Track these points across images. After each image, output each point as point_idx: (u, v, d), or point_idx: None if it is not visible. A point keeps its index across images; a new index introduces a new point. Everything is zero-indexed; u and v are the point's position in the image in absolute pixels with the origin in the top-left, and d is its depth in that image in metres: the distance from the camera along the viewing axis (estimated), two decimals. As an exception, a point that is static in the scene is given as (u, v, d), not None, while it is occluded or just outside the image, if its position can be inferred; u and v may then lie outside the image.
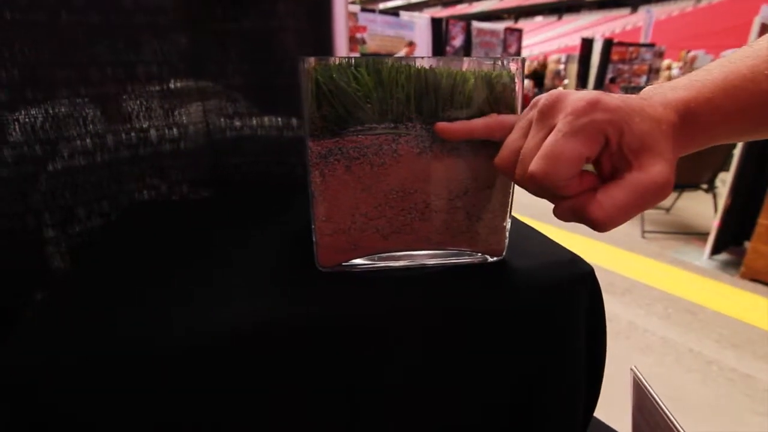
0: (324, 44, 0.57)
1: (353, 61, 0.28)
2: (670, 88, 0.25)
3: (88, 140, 0.45)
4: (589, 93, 0.24)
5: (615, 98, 0.24)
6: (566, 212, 0.25)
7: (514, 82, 0.29)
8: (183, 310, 0.28)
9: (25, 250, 0.44)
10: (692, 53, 5.91)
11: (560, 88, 0.25)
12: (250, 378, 0.28)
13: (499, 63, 0.29)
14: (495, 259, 0.34)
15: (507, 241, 0.34)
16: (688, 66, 5.78)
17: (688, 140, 0.24)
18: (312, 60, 0.27)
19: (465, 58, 0.29)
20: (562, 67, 7.26)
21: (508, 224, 0.33)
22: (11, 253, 0.43)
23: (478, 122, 0.29)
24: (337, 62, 0.28)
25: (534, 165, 0.24)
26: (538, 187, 0.24)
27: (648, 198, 0.22)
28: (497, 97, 0.29)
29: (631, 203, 0.22)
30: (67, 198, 0.45)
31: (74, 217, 0.46)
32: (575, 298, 0.33)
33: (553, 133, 0.24)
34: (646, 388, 0.36)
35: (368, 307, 0.30)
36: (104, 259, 0.40)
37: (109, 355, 0.25)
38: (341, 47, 0.56)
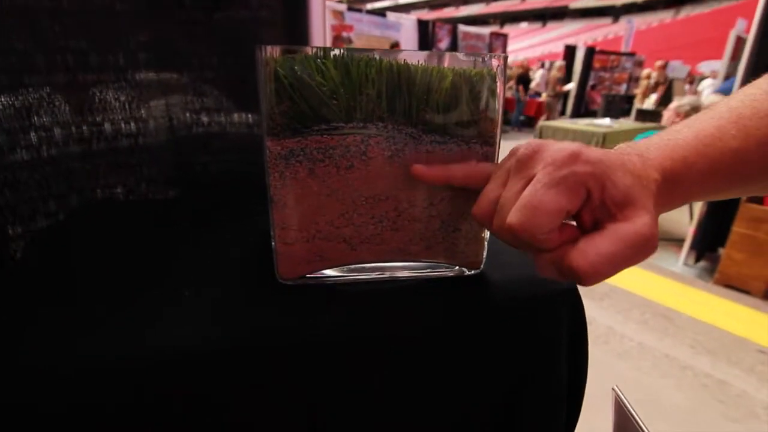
0: (300, 37, 0.54)
1: (319, 52, 0.25)
2: (644, 147, 0.25)
3: (32, 133, 0.41)
4: (570, 144, 0.23)
5: (596, 151, 0.23)
6: (547, 265, 0.23)
7: (496, 82, 0.27)
8: (130, 325, 0.25)
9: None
10: (659, 62, 6.11)
11: (540, 141, 0.24)
12: (203, 396, 0.25)
13: (480, 60, 0.26)
14: (473, 272, 0.32)
15: (485, 252, 0.31)
16: (660, 74, 5.95)
17: (667, 199, 0.24)
18: (271, 49, 0.24)
19: (443, 53, 0.26)
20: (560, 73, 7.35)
21: (486, 234, 0.31)
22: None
23: (457, 169, 0.27)
24: (300, 53, 0.25)
25: (512, 216, 0.23)
26: (516, 239, 0.23)
27: (635, 249, 0.21)
28: (477, 97, 0.26)
29: (618, 253, 0.21)
30: (8, 196, 0.41)
31: (15, 218, 0.41)
32: (556, 315, 0.31)
33: (532, 183, 0.23)
34: (627, 408, 0.34)
35: (331, 324, 0.27)
36: (49, 265, 0.36)
37: (64, 371, 0.22)
38: (318, 41, 0.53)
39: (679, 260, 2.36)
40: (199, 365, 0.24)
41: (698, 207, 2.27)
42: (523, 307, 0.30)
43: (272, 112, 0.25)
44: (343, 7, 6.12)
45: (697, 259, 2.33)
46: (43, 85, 0.41)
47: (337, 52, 0.25)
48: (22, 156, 0.41)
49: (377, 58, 0.25)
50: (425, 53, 0.25)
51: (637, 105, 5.68)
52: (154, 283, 0.30)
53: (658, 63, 5.99)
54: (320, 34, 0.52)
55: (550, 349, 0.31)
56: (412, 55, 0.25)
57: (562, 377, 0.33)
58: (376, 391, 0.29)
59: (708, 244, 2.33)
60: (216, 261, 0.34)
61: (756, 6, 2.06)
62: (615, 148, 0.25)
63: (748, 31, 2.28)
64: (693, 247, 2.31)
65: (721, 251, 2.16)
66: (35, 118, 0.41)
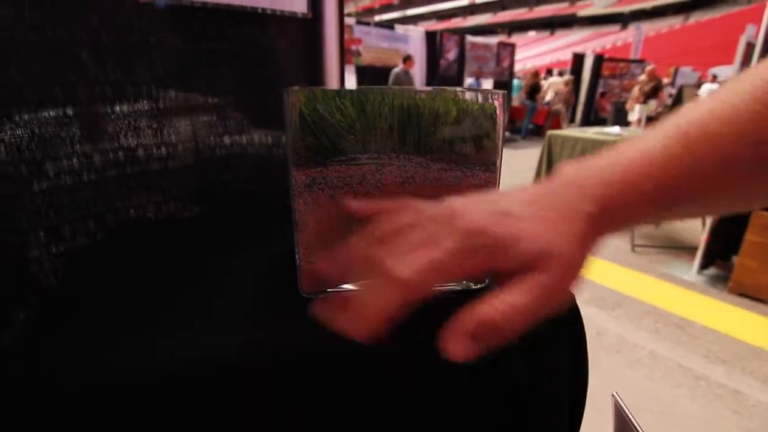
0: (315, 65, 0.57)
1: (338, 92, 0.28)
2: (586, 173, 0.25)
3: (74, 160, 0.45)
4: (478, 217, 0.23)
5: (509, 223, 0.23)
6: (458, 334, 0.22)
7: (497, 115, 0.30)
8: (163, 338, 0.28)
9: (7, 271, 0.44)
10: (650, 67, 5.97)
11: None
12: (230, 405, 0.28)
13: (482, 96, 0.30)
14: (478, 286, 0.34)
15: (490, 268, 0.34)
16: (657, 78, 5.81)
17: (608, 224, 0.24)
18: (296, 90, 0.28)
19: (449, 90, 0.29)
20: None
21: (491, 251, 0.34)
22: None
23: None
24: (321, 93, 0.28)
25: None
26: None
27: (542, 300, 0.21)
28: (479, 129, 0.29)
29: (525, 303, 0.21)
30: (52, 218, 0.44)
31: (59, 237, 0.45)
32: (556, 326, 0.33)
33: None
34: (626, 414, 0.36)
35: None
36: (88, 283, 0.40)
37: (96, 382, 0.25)
38: (332, 69, 0.57)
39: (692, 269, 2.34)
40: (230, 373, 0.27)
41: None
42: (526, 319, 0.33)
43: (297, 146, 0.28)
44: (352, 20, 6.23)
45: (705, 266, 2.31)
46: (84, 115, 0.45)
47: (353, 92, 0.28)
48: (65, 181, 0.45)
49: (389, 96, 0.28)
50: (433, 90, 0.29)
51: (630, 113, 5.58)
52: (186, 296, 0.34)
53: (649, 67, 5.92)
54: (333, 62, 0.55)
55: (551, 359, 0.34)
56: (421, 92, 0.28)
57: (563, 387, 0.35)
58: (390, 396, 0.32)
59: (721, 252, 2.31)
60: (244, 276, 0.37)
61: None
62: (560, 174, 0.25)
63: (758, 36, 2.29)
64: (706, 255, 2.30)
65: (735, 259, 2.14)
66: (78, 146, 0.45)
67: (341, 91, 0.28)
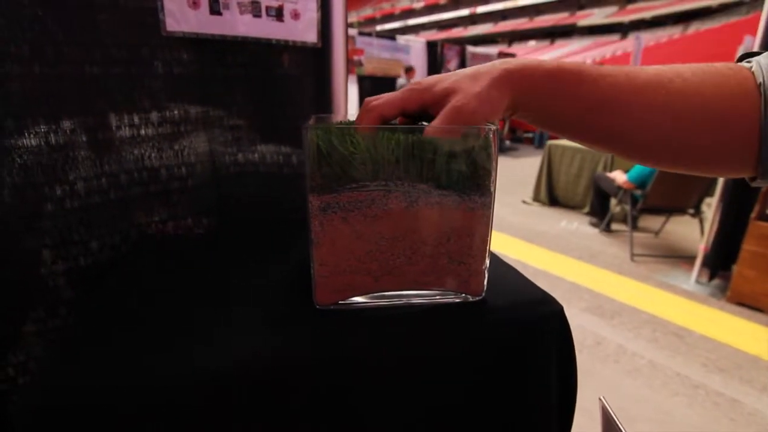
0: (324, 89, 0.61)
1: (350, 128, 0.32)
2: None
3: (103, 179, 0.49)
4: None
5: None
6: None
7: (490, 147, 0.33)
8: (185, 346, 0.32)
9: (39, 282, 0.48)
10: None
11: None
12: (252, 407, 0.31)
13: (477, 130, 0.33)
14: (475, 298, 0.38)
15: (486, 281, 0.38)
16: None
17: (517, 82, 0.32)
18: (314, 126, 0.31)
19: (449, 127, 0.33)
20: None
21: (486, 267, 0.37)
22: (24, 284, 0.47)
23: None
24: (336, 129, 0.32)
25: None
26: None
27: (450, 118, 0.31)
28: (474, 160, 0.33)
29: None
30: (82, 233, 0.48)
31: (87, 251, 0.49)
32: (546, 335, 0.37)
33: None
34: (614, 419, 0.39)
35: (358, 342, 0.33)
36: (113, 294, 0.43)
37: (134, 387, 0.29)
38: (339, 92, 0.61)
39: (690, 278, 2.36)
40: (250, 375, 0.31)
41: (708, 224, 2.29)
42: (518, 328, 0.36)
43: (314, 175, 0.32)
44: (354, 32, 6.32)
45: (711, 278, 2.33)
46: (114, 140, 0.49)
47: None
48: (95, 200, 0.48)
49: (396, 133, 0.32)
50: (434, 127, 0.32)
51: None
52: (212, 304, 0.37)
53: None
54: (341, 89, 0.59)
55: (541, 362, 0.37)
56: (422, 129, 0.32)
57: (551, 388, 0.38)
58: (392, 400, 0.35)
59: (721, 261, 2.33)
60: (262, 289, 0.40)
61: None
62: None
63: (754, 47, 2.33)
64: (705, 264, 2.32)
65: (734, 268, 2.16)
66: (105, 167, 0.49)
67: (353, 127, 0.32)
